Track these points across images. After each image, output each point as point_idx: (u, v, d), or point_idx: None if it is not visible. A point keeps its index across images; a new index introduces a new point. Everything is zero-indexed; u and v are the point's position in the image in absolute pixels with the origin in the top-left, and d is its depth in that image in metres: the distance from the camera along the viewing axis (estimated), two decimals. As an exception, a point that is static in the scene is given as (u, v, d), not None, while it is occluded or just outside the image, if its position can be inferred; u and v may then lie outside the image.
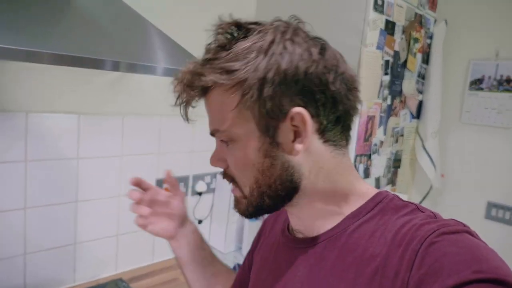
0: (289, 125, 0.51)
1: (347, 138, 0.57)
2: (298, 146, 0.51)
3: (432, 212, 0.51)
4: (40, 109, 1.21)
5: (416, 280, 0.43)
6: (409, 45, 1.61)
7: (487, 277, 0.39)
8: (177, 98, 0.55)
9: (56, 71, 1.22)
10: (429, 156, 1.76)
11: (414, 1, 1.59)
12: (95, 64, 0.88)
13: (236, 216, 1.73)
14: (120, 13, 1.10)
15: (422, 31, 1.68)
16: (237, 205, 0.59)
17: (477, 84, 1.76)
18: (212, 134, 0.57)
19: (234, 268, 1.55)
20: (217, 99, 0.53)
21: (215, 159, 0.60)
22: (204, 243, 0.82)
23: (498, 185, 1.73)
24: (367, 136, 1.48)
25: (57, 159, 1.25)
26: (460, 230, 0.46)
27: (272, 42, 0.50)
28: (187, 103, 0.55)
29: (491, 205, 1.75)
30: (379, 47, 1.43)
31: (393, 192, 0.57)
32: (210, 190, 1.74)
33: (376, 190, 0.58)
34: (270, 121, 0.50)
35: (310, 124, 0.50)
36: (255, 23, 0.53)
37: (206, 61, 0.52)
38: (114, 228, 1.45)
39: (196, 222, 1.72)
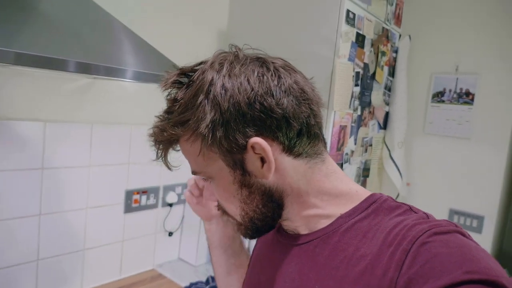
0: (252, 155, 0.52)
1: (322, 144, 0.58)
2: (267, 171, 0.53)
3: (425, 213, 0.52)
4: (3, 115, 1.13)
5: (406, 279, 0.43)
6: (377, 58, 1.67)
7: (478, 278, 0.39)
8: (156, 151, 0.59)
9: (22, 76, 1.15)
10: (395, 165, 1.82)
11: (381, 16, 1.65)
12: (59, 64, 0.83)
13: (208, 227, 1.70)
14: (91, 15, 1.05)
15: (389, 45, 1.75)
16: (238, 230, 0.62)
17: (439, 96, 1.86)
18: (193, 173, 0.60)
19: (207, 281, 1.52)
20: (184, 148, 0.57)
21: (208, 194, 0.67)
22: (236, 236, 0.81)
23: (459, 193, 1.82)
24: (339, 145, 1.51)
25: (20, 170, 1.17)
26: (452, 230, 0.46)
27: (211, 83, 0.51)
28: (164, 156, 0.59)
29: (453, 212, 1.84)
30: (350, 59, 1.47)
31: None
32: (181, 201, 1.69)
33: (369, 192, 0.58)
34: (234, 156, 0.53)
35: (270, 150, 0.52)
36: (200, 63, 0.56)
37: (165, 115, 0.56)
38: (81, 243, 1.37)
39: (167, 234, 1.66)
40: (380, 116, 1.81)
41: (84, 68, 0.89)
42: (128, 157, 1.47)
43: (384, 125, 1.86)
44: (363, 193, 0.58)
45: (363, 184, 1.76)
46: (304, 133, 0.54)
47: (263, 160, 0.53)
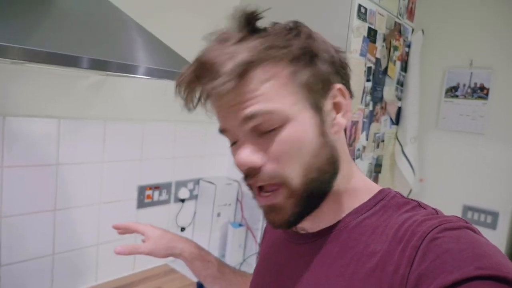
0: (331, 103, 0.53)
1: None
2: (342, 120, 0.53)
3: (434, 209, 0.52)
4: (19, 112, 1.15)
5: (417, 275, 0.43)
6: (389, 52, 1.65)
7: (489, 273, 0.39)
8: (233, 67, 0.47)
9: (36, 73, 1.17)
10: (408, 161, 1.80)
11: (393, 10, 1.63)
12: (72, 61, 0.84)
13: (219, 223, 1.71)
14: (103, 13, 1.06)
15: (401, 39, 1.73)
16: (276, 214, 0.52)
17: (452, 91, 1.83)
18: (249, 118, 0.49)
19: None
20: (261, 77, 0.49)
21: (250, 154, 0.50)
22: (208, 263, 0.82)
23: (473, 188, 1.79)
24: (351, 141, 1.50)
25: (35, 165, 1.20)
26: (462, 226, 0.46)
27: (305, 26, 0.54)
28: (241, 75, 0.48)
29: (466, 208, 1.81)
30: (362, 54, 1.46)
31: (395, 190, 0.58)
32: (193, 196, 1.71)
33: (379, 187, 0.58)
34: (318, 98, 0.52)
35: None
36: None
37: (236, 42, 0.49)
38: (94, 238, 1.39)
39: (179, 229, 1.68)
40: (392, 111, 1.79)
41: (97, 65, 0.90)
42: (140, 153, 1.49)
43: (397, 121, 1.84)
44: (373, 188, 0.57)
45: (375, 180, 1.74)
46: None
47: (336, 110, 0.54)
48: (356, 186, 0.57)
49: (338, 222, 0.56)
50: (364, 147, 1.59)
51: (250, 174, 0.51)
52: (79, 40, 0.92)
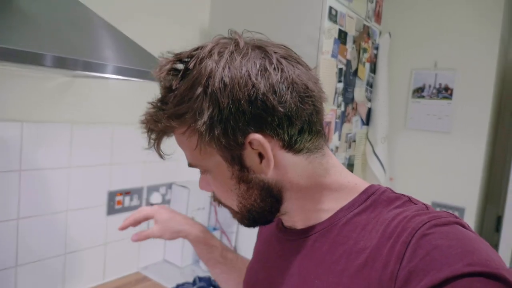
0: (251, 150, 0.51)
1: (323, 139, 0.56)
2: (266, 167, 0.52)
3: (424, 204, 0.52)
4: (-23, 115, 1.08)
5: (407, 272, 0.43)
6: (359, 54, 1.68)
7: (479, 270, 0.39)
8: (148, 139, 0.56)
9: (-4, 73, 1.10)
10: (379, 160, 1.84)
11: (362, 13, 1.67)
12: (34, 59, 0.78)
13: (193, 227, 1.68)
14: (69, 10, 1.02)
15: (370, 42, 1.77)
16: (234, 217, 0.61)
17: (419, 92, 1.89)
18: (190, 166, 0.59)
19: (194, 281, 1.49)
20: (179, 140, 0.55)
21: (203, 184, 0.61)
22: (211, 247, 0.84)
23: (441, 186, 1.85)
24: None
25: (-4, 172, 1.12)
26: (451, 221, 0.46)
27: (209, 75, 0.48)
28: (157, 145, 0.57)
29: (435, 205, 1.87)
30: (333, 55, 1.47)
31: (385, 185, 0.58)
32: (166, 201, 1.66)
33: (368, 184, 0.58)
34: (232, 152, 0.51)
35: (269, 146, 0.50)
36: (197, 49, 0.52)
37: (160, 105, 0.53)
38: (61, 247, 1.32)
39: (151, 236, 1.63)
40: (363, 112, 1.83)
41: (62, 63, 0.84)
42: (110, 157, 1.43)
43: (367, 121, 1.88)
44: (362, 185, 0.57)
45: (348, 180, 1.76)
46: (306, 130, 0.52)
47: (261, 156, 0.51)
48: (344, 184, 0.57)
49: (329, 218, 0.56)
50: (337, 148, 1.61)
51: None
52: (41, 38, 0.86)
